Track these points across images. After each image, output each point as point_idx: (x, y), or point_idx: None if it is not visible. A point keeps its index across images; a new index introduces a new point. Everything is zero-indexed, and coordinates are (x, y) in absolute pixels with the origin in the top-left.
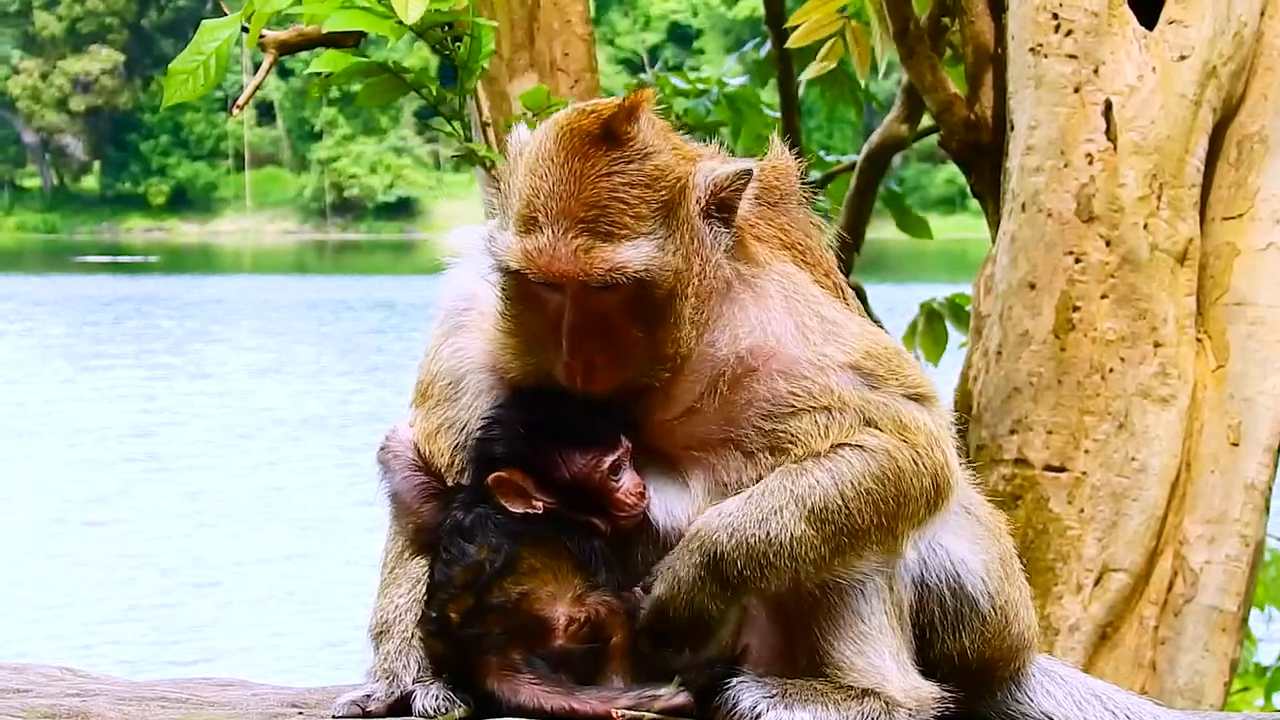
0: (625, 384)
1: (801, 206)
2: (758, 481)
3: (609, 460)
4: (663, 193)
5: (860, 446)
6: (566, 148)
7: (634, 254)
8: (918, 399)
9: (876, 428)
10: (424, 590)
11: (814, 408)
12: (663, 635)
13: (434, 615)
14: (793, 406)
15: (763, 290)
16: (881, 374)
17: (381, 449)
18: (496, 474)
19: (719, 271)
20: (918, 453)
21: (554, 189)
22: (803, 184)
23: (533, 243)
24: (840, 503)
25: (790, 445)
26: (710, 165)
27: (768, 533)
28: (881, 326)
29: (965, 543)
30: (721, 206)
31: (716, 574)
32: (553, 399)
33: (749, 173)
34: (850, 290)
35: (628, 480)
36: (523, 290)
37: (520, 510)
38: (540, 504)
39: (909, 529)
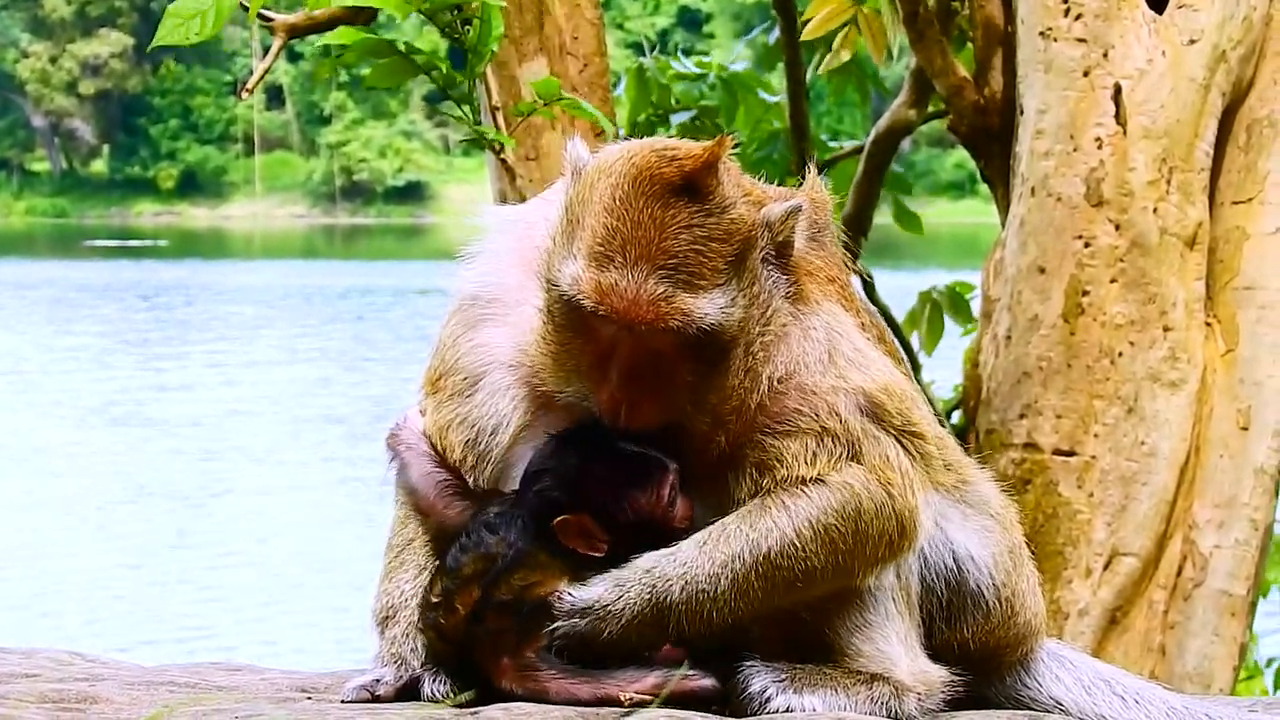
0: (663, 425)
1: (834, 240)
2: (737, 500)
3: (667, 493)
4: (736, 245)
5: (825, 483)
6: (646, 193)
7: (710, 306)
8: (914, 438)
9: (859, 462)
10: (429, 574)
11: (812, 430)
12: (576, 636)
13: (436, 601)
14: (796, 425)
15: (810, 327)
16: (889, 410)
17: (393, 436)
18: (563, 518)
19: (777, 318)
20: (889, 493)
21: (633, 233)
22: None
23: (608, 280)
24: (796, 546)
25: (775, 465)
26: (769, 210)
27: (718, 587)
28: (889, 314)
29: (974, 535)
30: (779, 250)
31: (659, 618)
32: (596, 439)
33: (799, 208)
34: (878, 330)
35: (681, 507)
36: (577, 320)
37: (583, 551)
38: (604, 545)
39: (865, 568)
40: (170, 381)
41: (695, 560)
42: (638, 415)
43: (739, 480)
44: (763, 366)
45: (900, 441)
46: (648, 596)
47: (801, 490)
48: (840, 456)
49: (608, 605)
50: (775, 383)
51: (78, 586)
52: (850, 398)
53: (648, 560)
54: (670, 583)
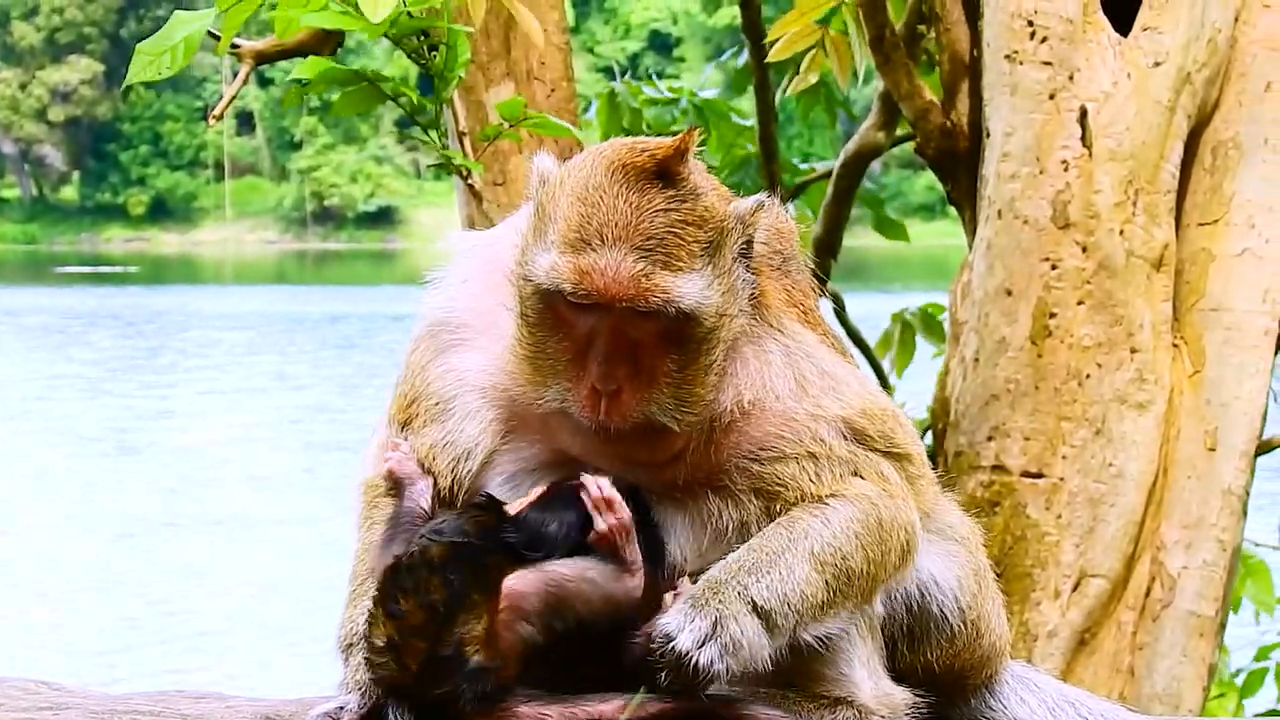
0: (642, 421)
1: (800, 268)
2: (741, 523)
3: None
4: (710, 233)
5: (845, 496)
6: (620, 181)
7: (690, 287)
8: (900, 460)
9: (862, 477)
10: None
11: (802, 455)
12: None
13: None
14: (781, 451)
15: (766, 346)
16: (872, 433)
17: (387, 472)
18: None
19: (740, 320)
20: (897, 506)
21: (609, 217)
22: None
23: (588, 262)
24: (835, 544)
25: (780, 489)
26: (738, 204)
27: (781, 574)
28: (859, 336)
29: (938, 560)
30: (747, 246)
31: (760, 614)
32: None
33: (764, 203)
34: (845, 350)
35: None
36: (553, 313)
37: None
38: None
39: (884, 578)
40: (152, 409)
41: (747, 556)
42: (618, 409)
43: (733, 502)
44: (734, 372)
45: (890, 458)
46: (740, 603)
47: (825, 502)
48: (843, 474)
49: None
50: (747, 404)
51: (65, 616)
52: (832, 425)
53: (708, 579)
54: (738, 575)
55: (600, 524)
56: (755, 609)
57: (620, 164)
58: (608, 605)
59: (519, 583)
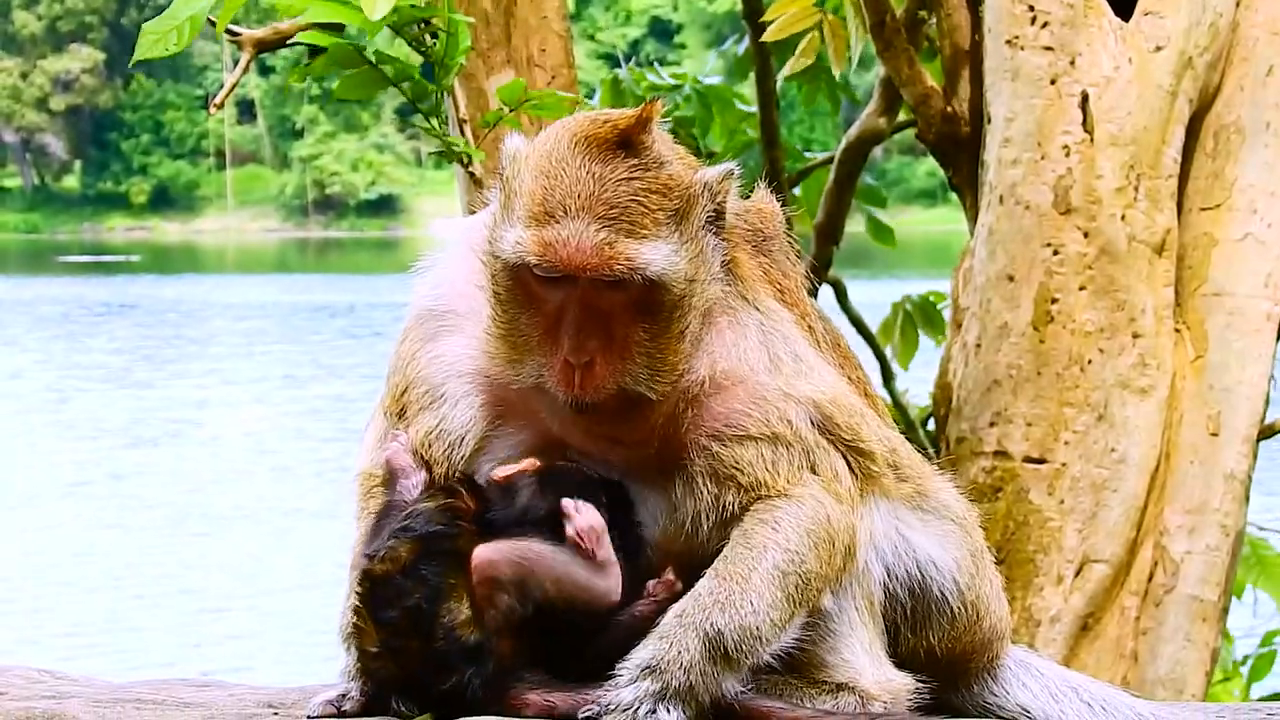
0: (618, 392)
1: (784, 250)
2: (696, 513)
3: None
4: (676, 200)
5: (793, 497)
6: (583, 152)
7: (654, 254)
8: (862, 456)
9: (816, 473)
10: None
11: (764, 436)
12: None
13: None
14: (746, 430)
15: (741, 320)
16: (840, 421)
17: (384, 462)
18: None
19: (713, 289)
20: (841, 509)
21: (572, 188)
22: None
23: (552, 234)
24: (794, 554)
25: (735, 473)
26: (705, 171)
27: (751, 601)
28: (862, 323)
29: (935, 540)
30: (716, 214)
31: (720, 653)
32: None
33: (733, 171)
34: (831, 336)
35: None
36: (523, 288)
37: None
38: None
39: (833, 579)
40: (171, 400)
41: (718, 586)
42: (591, 380)
43: (691, 489)
44: (709, 342)
45: (847, 458)
46: (700, 641)
47: (777, 505)
48: (799, 466)
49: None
50: (720, 375)
51: (75, 605)
52: (801, 407)
53: (674, 614)
54: (709, 610)
55: (569, 528)
56: (713, 648)
57: (583, 136)
58: (583, 595)
59: (489, 552)
